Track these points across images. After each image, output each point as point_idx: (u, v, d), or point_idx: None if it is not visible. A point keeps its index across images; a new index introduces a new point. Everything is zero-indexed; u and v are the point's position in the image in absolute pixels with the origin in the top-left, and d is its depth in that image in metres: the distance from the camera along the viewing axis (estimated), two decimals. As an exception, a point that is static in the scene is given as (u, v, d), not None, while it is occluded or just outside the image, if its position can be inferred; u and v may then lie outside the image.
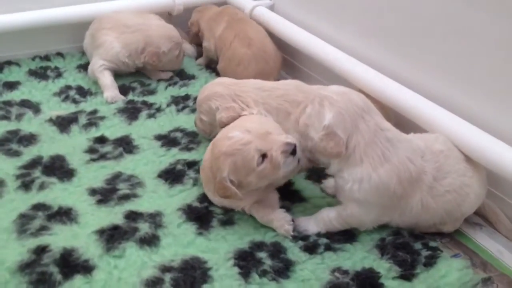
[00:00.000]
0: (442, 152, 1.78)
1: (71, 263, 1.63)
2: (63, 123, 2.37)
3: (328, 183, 1.99)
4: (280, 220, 1.77)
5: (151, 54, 2.68)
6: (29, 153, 2.16)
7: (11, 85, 2.69)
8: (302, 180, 2.04)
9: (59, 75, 2.82)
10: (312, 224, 1.80)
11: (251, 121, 1.86)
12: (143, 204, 1.91)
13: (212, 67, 2.94)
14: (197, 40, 3.05)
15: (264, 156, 1.70)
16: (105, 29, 2.75)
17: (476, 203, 1.80)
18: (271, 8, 2.95)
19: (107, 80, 2.66)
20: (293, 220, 1.78)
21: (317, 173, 2.07)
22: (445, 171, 1.75)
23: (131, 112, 2.49)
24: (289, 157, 1.71)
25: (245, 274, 1.62)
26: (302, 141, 1.75)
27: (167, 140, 2.28)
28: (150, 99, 2.62)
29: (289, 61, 2.91)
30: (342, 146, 1.65)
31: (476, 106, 1.91)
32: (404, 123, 2.02)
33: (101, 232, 1.75)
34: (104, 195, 1.94)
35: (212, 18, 2.89)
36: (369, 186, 1.67)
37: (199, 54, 3.05)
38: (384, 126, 1.71)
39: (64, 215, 1.84)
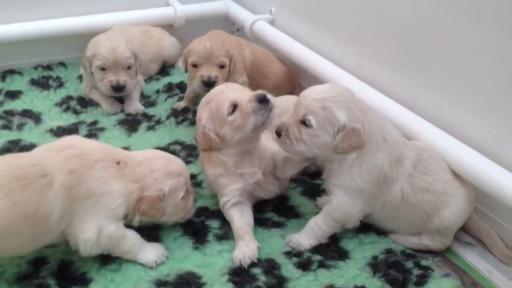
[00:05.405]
0: (425, 149, 1.84)
1: (68, 276, 1.67)
2: (64, 134, 2.40)
3: (323, 199, 2.02)
4: (245, 247, 1.75)
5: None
6: (29, 164, 2.19)
7: (13, 94, 2.73)
8: (297, 196, 2.07)
9: (60, 85, 2.85)
10: (303, 238, 1.83)
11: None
12: (140, 217, 1.94)
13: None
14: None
15: (235, 106, 1.81)
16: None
17: (458, 217, 1.82)
18: (272, 22, 2.98)
19: (98, 95, 2.69)
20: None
21: (312, 190, 2.11)
22: (427, 168, 1.80)
23: (131, 124, 2.53)
24: (258, 105, 1.78)
25: (239, 290, 1.65)
26: (306, 153, 1.75)
27: (166, 153, 2.31)
28: (150, 111, 2.66)
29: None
30: (364, 135, 1.69)
31: (473, 128, 1.93)
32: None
33: (98, 245, 1.78)
34: (103, 207, 1.97)
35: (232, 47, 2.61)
36: (366, 169, 1.72)
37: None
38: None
39: (63, 227, 1.87)
